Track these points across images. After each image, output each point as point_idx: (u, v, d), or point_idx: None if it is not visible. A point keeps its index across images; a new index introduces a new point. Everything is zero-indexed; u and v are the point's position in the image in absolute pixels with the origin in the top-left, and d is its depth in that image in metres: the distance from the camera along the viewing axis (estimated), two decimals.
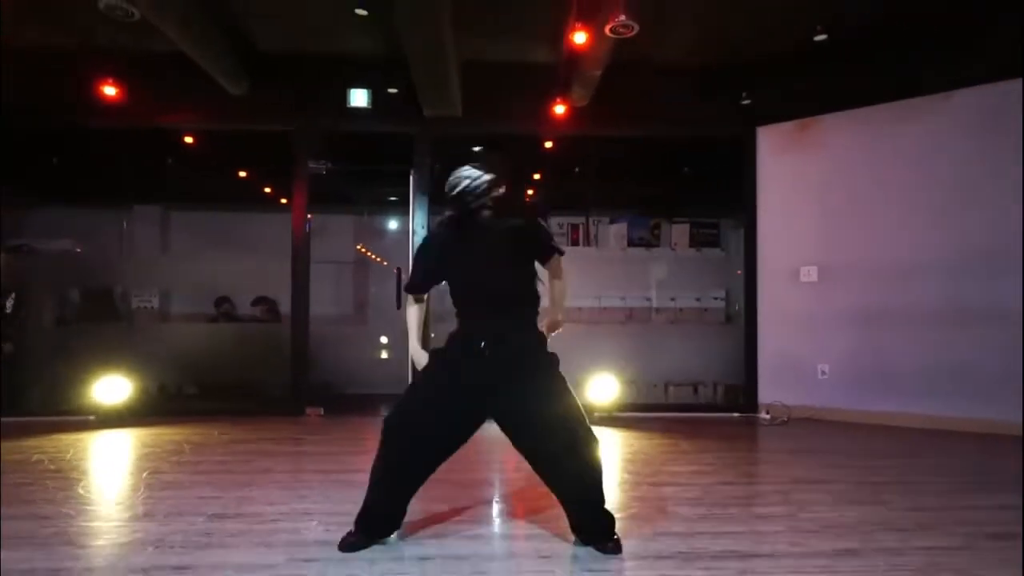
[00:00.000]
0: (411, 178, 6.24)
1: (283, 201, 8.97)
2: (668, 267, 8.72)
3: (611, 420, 5.76)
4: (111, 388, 5.61)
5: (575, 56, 5.15)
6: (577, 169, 7.62)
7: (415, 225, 6.23)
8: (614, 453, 4.42)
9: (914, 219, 5.51)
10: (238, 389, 6.60)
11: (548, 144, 6.76)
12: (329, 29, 5.49)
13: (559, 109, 5.81)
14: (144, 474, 3.70)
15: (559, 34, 5.25)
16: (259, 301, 7.86)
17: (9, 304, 6.10)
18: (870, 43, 5.38)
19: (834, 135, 5.93)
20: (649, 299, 8.63)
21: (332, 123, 6.14)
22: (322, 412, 6.09)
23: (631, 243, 8.84)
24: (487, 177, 2.52)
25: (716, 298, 8.64)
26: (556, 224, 8.98)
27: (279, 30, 5.59)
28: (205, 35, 5.13)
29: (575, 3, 4.48)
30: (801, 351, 5.98)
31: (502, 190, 2.57)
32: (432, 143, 6.18)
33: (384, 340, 8.02)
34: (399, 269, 6.70)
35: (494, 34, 5.30)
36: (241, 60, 5.72)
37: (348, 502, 2.87)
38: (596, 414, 6.00)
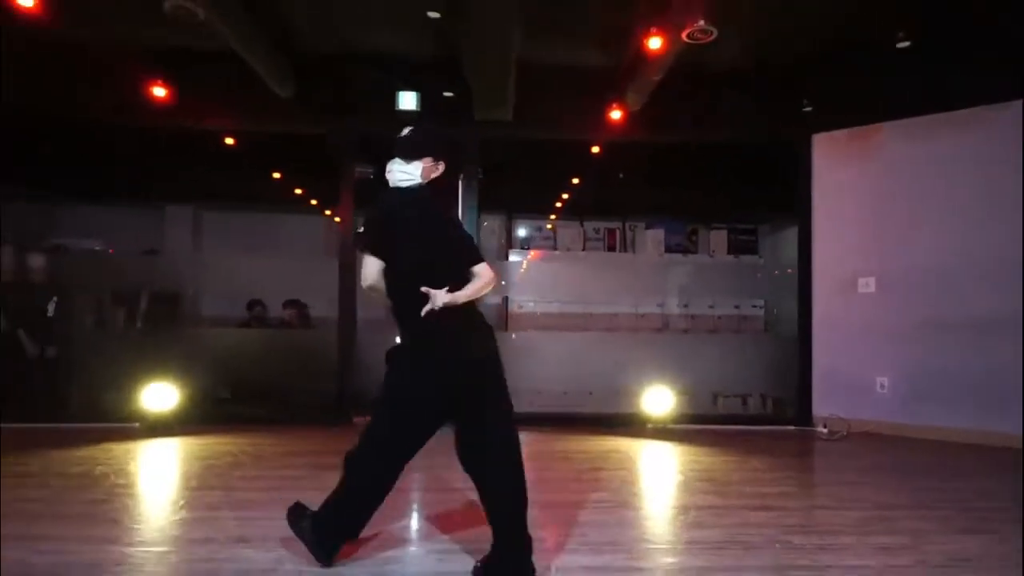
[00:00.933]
0: (459, 182, 6.11)
1: (312, 202, 8.88)
2: (706, 274, 8.62)
3: (667, 432, 5.64)
4: (158, 395, 5.49)
5: (639, 61, 5.02)
6: (621, 175, 7.47)
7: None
8: (689, 472, 4.29)
9: (975, 228, 5.38)
10: (277, 395, 6.46)
11: (595, 149, 6.63)
12: (378, 30, 5.38)
13: (615, 115, 5.66)
14: (215, 490, 3.58)
15: (620, 38, 5.14)
16: (289, 304, 7.69)
17: (51, 308, 5.97)
18: (929, 52, 5.25)
19: (892, 143, 5.79)
20: (687, 306, 8.52)
21: (380, 126, 6.01)
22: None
23: (668, 249, 8.74)
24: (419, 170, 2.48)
25: (755, 306, 8.54)
26: (592, 229, 8.90)
27: (326, 30, 5.47)
28: (255, 34, 5.01)
29: (651, 7, 4.35)
30: (858, 364, 5.85)
31: (440, 170, 2.53)
32: (481, 146, 6.07)
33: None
34: None
35: (551, 37, 5.18)
36: (289, 61, 5.60)
37: (466, 527, 2.74)
38: (649, 425, 5.89)
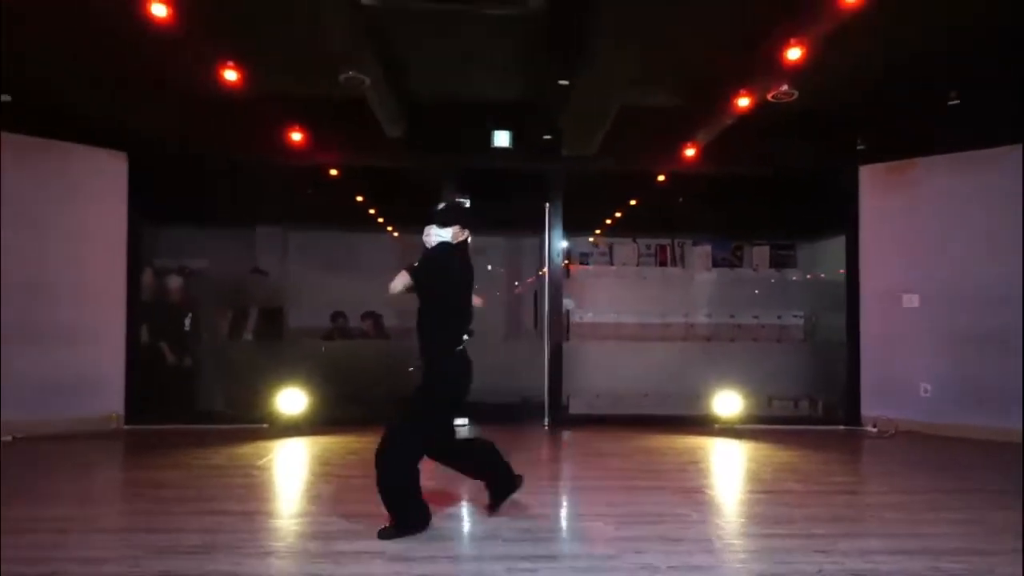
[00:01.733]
0: (547, 210, 6.90)
1: (379, 220, 9.70)
2: (750, 287, 9.39)
3: (734, 432, 6.40)
4: (290, 399, 6.28)
5: (720, 110, 5.77)
6: (681, 199, 8.24)
7: (551, 253, 6.90)
8: (770, 464, 5.06)
9: (1005, 253, 6.14)
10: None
11: (661, 177, 7.41)
12: (478, 78, 6.14)
13: (689, 152, 6.43)
14: None
15: (708, 89, 5.85)
16: (367, 316, 8.41)
17: (187, 322, 6.76)
18: (969, 98, 6.00)
19: (928, 177, 6.58)
20: (733, 316, 9.30)
21: (476, 161, 6.80)
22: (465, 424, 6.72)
23: (715, 263, 9.52)
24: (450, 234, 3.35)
25: (795, 316, 9.32)
26: (644, 245, 9.67)
27: (435, 80, 6.25)
28: (387, 88, 5.79)
29: (741, 69, 5.08)
30: (903, 369, 6.61)
31: (465, 235, 3.39)
32: (567, 178, 6.86)
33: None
34: (536, 293, 7.36)
35: (652, 88, 5.91)
36: (403, 106, 6.39)
37: (631, 504, 3.53)
38: (717, 425, 6.66)
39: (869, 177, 6.95)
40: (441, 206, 3.52)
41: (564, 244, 7.16)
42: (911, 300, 6.65)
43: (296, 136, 6.10)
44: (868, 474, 5.03)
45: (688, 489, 4.14)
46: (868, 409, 6.79)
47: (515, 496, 3.57)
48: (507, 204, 7.48)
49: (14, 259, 5.88)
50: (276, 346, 7.59)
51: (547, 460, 5.53)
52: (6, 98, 5.19)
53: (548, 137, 6.34)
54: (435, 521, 3.31)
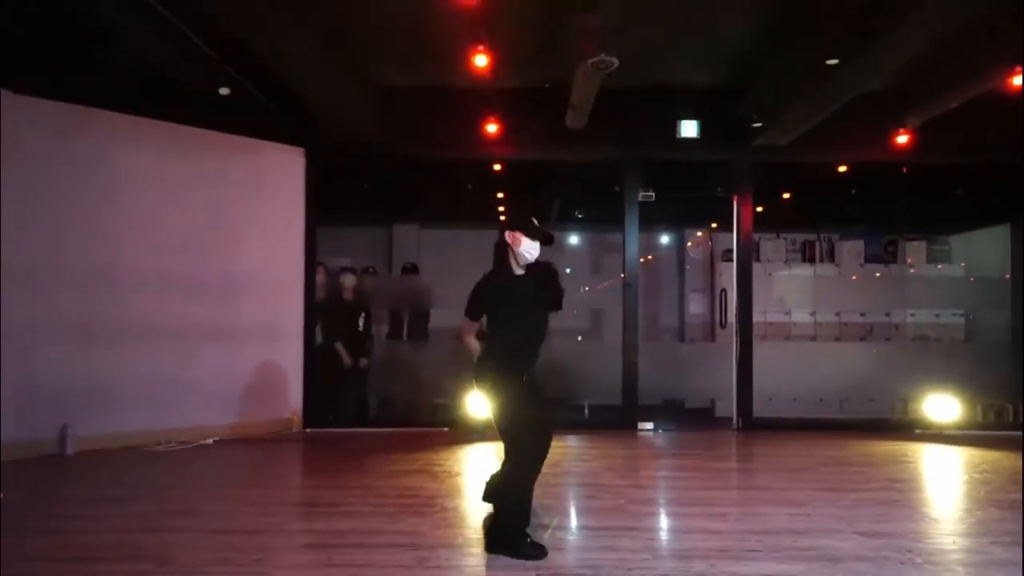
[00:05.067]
0: (734, 202, 6.57)
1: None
2: (905, 284, 8.95)
3: (946, 438, 5.99)
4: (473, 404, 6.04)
5: (949, 91, 5.39)
6: (853, 191, 7.84)
7: (739, 248, 6.57)
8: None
9: None
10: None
11: (842, 168, 7.04)
12: (670, 64, 5.84)
13: (901, 139, 6.04)
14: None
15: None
16: None
17: (362, 322, 6.57)
18: None
19: None
20: (888, 315, 8.86)
21: (659, 152, 6.49)
22: (651, 428, 6.41)
23: (868, 260, 9.09)
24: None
25: (955, 314, 8.84)
26: (789, 241, 9.28)
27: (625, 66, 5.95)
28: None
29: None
30: None
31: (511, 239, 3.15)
32: (752, 169, 6.52)
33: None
34: (725, 291, 7.06)
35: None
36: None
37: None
38: (918, 431, 6.26)
39: None
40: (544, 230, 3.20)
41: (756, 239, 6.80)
42: None
43: (491, 128, 5.86)
44: None
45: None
46: None
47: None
48: (687, 198, 7.13)
49: (210, 257, 5.78)
50: (426, 347, 7.38)
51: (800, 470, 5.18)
52: (225, 91, 5.02)
53: (758, 124, 5.98)
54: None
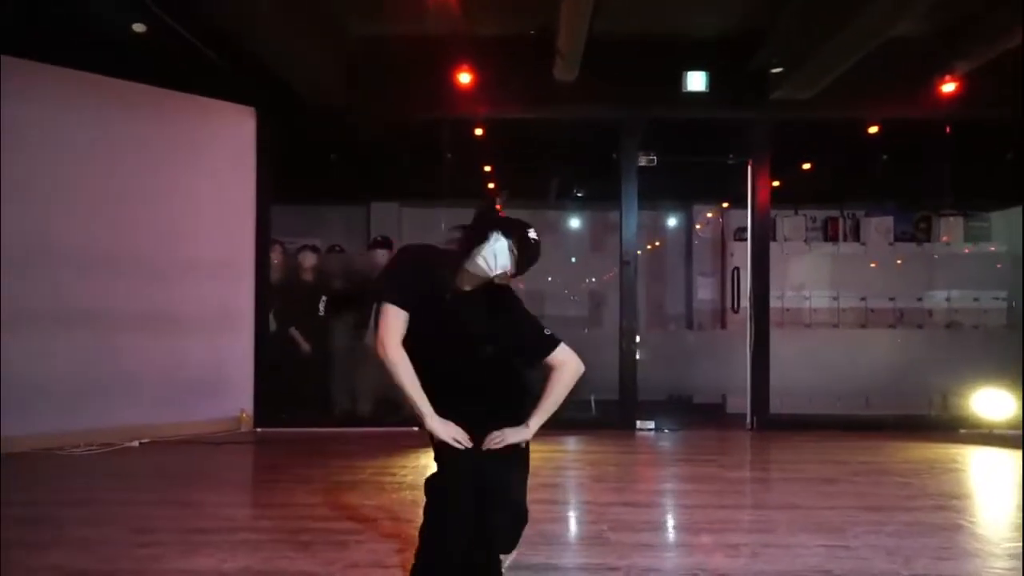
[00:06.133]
0: (748, 169, 5.70)
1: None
2: (940, 264, 8.07)
3: (997, 439, 5.12)
4: None
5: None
6: (885, 157, 6.94)
7: (754, 222, 5.71)
8: None
9: None
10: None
11: (872, 129, 6.14)
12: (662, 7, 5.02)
13: (947, 87, 5.13)
14: None
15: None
16: None
17: (322, 307, 5.76)
18: None
19: None
20: (921, 299, 7.97)
21: (662, 109, 5.63)
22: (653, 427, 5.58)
23: (897, 238, 8.17)
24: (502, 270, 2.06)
25: (996, 298, 7.93)
26: (809, 219, 8.37)
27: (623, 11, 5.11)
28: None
29: None
30: None
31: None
32: (772, 129, 5.64)
33: None
34: (737, 271, 6.22)
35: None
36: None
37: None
38: (963, 430, 5.39)
39: None
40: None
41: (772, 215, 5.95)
42: None
43: (464, 78, 5.02)
44: None
45: None
46: None
47: None
48: (694, 163, 6.23)
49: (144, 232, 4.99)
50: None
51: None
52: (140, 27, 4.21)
53: (778, 70, 5.09)
54: None
